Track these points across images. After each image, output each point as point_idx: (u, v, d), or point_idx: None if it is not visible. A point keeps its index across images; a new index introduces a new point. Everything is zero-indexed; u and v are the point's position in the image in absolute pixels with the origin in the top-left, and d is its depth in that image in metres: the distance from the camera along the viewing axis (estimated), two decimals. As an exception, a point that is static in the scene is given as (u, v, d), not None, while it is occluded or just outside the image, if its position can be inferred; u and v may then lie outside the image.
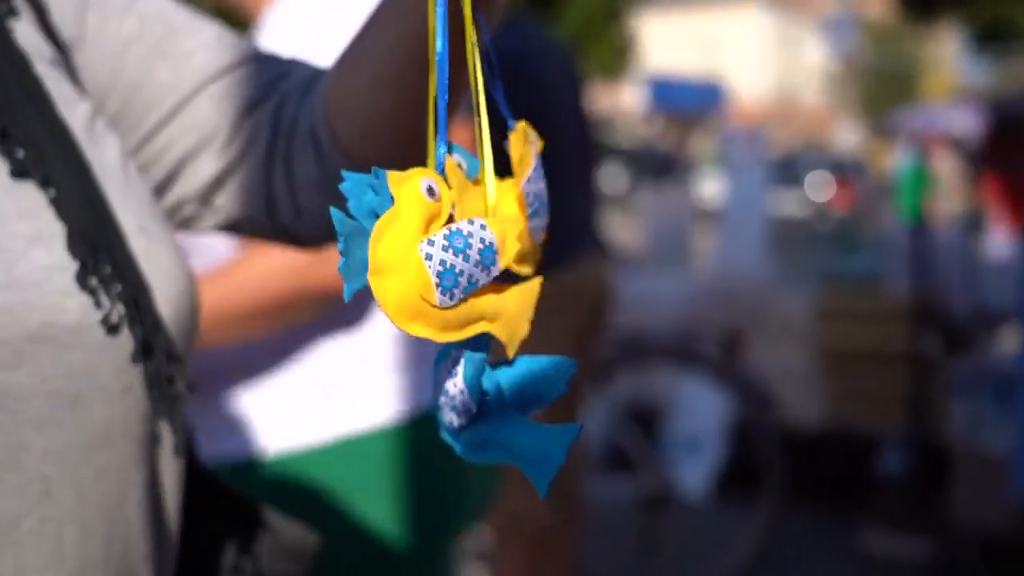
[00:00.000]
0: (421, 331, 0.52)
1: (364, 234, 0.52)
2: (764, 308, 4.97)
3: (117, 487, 0.71)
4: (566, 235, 2.92)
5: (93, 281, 0.70)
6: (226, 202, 0.87)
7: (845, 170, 20.26)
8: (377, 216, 0.52)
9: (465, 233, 0.52)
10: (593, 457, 4.23)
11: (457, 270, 0.51)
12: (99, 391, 0.70)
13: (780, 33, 51.35)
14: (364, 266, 0.52)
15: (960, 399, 4.16)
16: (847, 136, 21.76)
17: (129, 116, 0.85)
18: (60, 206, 0.71)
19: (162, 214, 0.83)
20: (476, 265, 0.52)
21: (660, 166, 23.57)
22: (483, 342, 0.55)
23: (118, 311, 0.70)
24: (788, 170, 19.26)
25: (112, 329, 0.70)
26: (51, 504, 0.68)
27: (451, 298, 0.51)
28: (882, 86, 40.07)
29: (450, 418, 0.56)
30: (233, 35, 0.90)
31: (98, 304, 0.70)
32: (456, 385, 0.55)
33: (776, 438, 3.91)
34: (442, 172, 0.54)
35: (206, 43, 0.86)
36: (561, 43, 3.33)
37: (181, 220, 0.90)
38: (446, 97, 0.54)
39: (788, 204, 18.40)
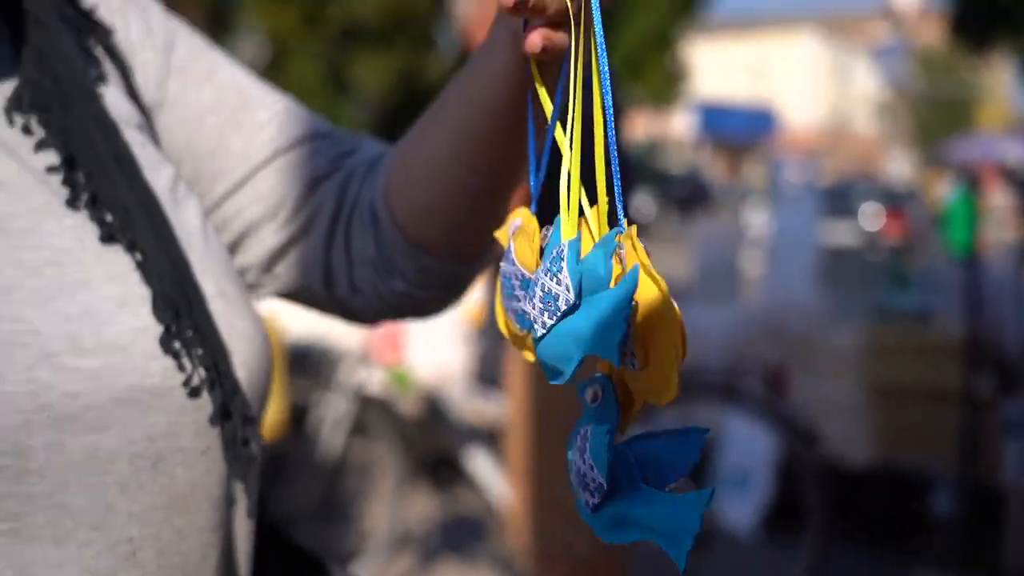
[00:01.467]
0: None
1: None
2: (813, 341, 4.89)
3: (197, 548, 0.74)
4: None
5: (176, 345, 0.73)
6: (286, 272, 0.90)
7: (897, 200, 20.11)
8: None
9: (533, 280, 0.58)
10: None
11: (530, 316, 0.58)
12: (179, 453, 0.72)
13: (832, 60, 51.42)
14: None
15: (1013, 439, 4.10)
16: (900, 165, 21.63)
17: (201, 182, 0.88)
18: (146, 270, 0.74)
19: (238, 277, 0.86)
20: (541, 312, 0.57)
21: (691, 194, 23.24)
22: (609, 413, 0.55)
23: (199, 374, 0.73)
24: (839, 199, 19.25)
25: (193, 392, 0.73)
26: (136, 565, 0.70)
27: (518, 320, 0.61)
28: (935, 115, 39.80)
29: (585, 497, 0.56)
30: (304, 110, 0.93)
31: (181, 367, 0.73)
32: (585, 461, 0.55)
33: (821, 475, 3.86)
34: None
35: (278, 116, 0.90)
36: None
37: (243, 285, 0.93)
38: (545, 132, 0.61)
39: (839, 234, 18.25)
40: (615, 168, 0.55)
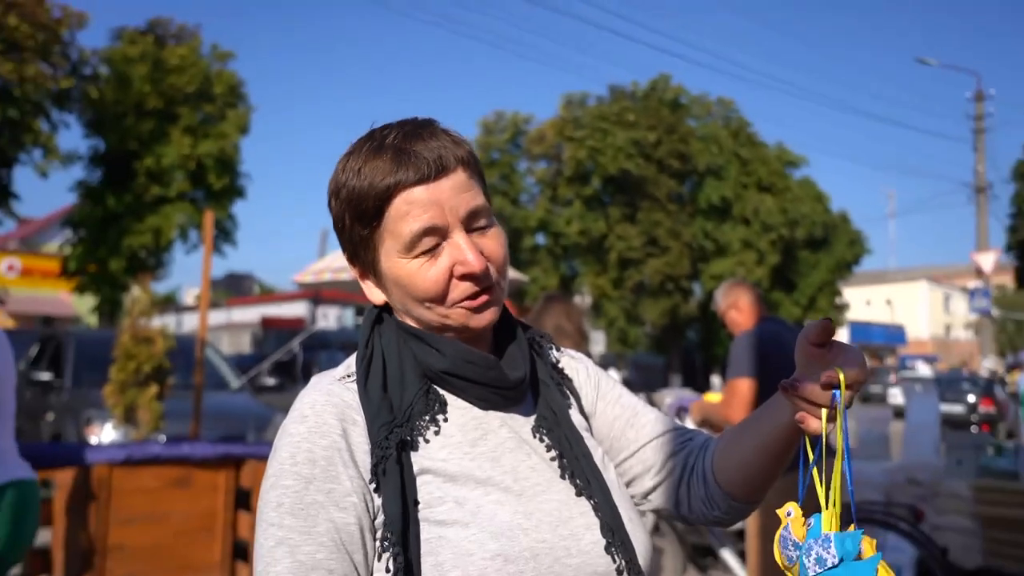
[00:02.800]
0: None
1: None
2: (939, 488, 4.74)
3: None
4: None
5: (613, 550, 0.90)
6: (655, 500, 1.06)
7: (988, 386, 19.60)
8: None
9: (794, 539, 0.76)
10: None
11: (789, 556, 0.76)
12: None
13: (940, 298, 53.02)
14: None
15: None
16: (989, 363, 22.86)
17: (611, 453, 1.05)
18: (596, 510, 0.92)
19: (632, 503, 1.02)
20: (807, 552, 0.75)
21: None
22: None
23: (623, 565, 0.90)
24: (950, 384, 19.41)
25: (619, 573, 0.90)
26: None
27: (789, 560, 0.77)
28: (1008, 334, 41.66)
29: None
30: (665, 416, 1.08)
31: (614, 561, 0.90)
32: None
33: (948, 573, 3.85)
34: (802, 505, 0.78)
35: (652, 420, 1.07)
36: (797, 325, 5.00)
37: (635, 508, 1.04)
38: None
39: (951, 407, 17.75)
40: (851, 491, 0.73)
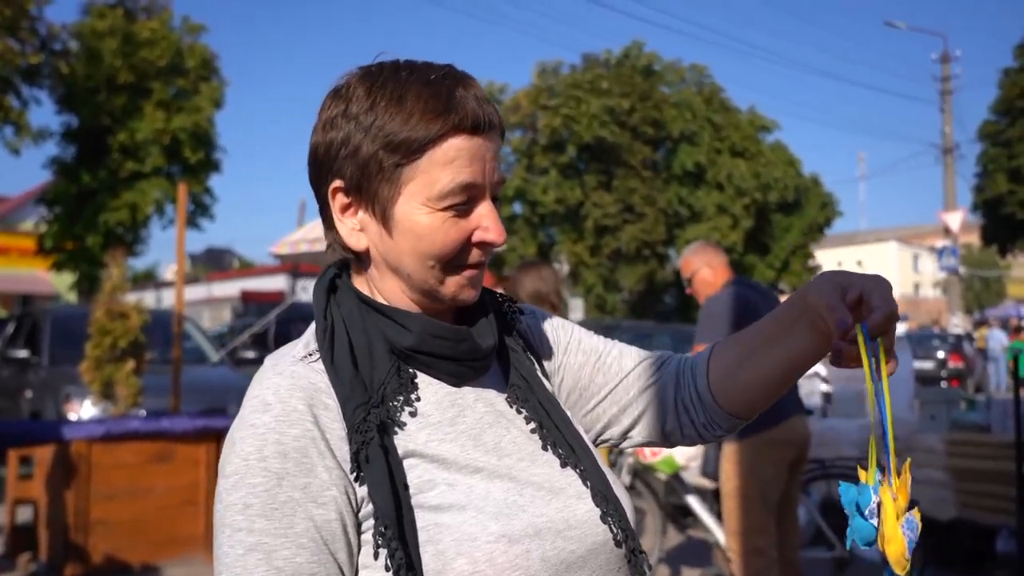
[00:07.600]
0: (899, 572, 0.70)
1: (854, 514, 0.71)
2: (912, 442, 4.76)
3: None
4: (781, 404, 2.77)
5: (608, 520, 0.87)
6: (636, 435, 1.04)
7: (957, 343, 19.93)
8: (858, 507, 0.70)
9: (914, 521, 0.70)
10: (804, 535, 4.13)
11: (912, 541, 0.70)
12: (613, 572, 0.87)
13: (909, 257, 54.54)
14: (858, 531, 0.70)
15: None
16: (957, 321, 22.52)
17: (580, 401, 1.02)
18: (584, 478, 0.88)
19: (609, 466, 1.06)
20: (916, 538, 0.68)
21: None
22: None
23: (620, 534, 0.87)
24: (920, 341, 19.53)
25: (617, 544, 0.87)
26: None
27: (908, 555, 0.70)
28: (981, 289, 43.45)
29: None
30: (625, 345, 1.06)
31: (611, 530, 0.86)
32: None
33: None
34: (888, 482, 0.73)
35: (617, 357, 1.03)
36: (769, 287, 4.51)
37: (605, 444, 1.05)
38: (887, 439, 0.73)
39: (921, 365, 17.97)
40: (885, 437, 0.72)
